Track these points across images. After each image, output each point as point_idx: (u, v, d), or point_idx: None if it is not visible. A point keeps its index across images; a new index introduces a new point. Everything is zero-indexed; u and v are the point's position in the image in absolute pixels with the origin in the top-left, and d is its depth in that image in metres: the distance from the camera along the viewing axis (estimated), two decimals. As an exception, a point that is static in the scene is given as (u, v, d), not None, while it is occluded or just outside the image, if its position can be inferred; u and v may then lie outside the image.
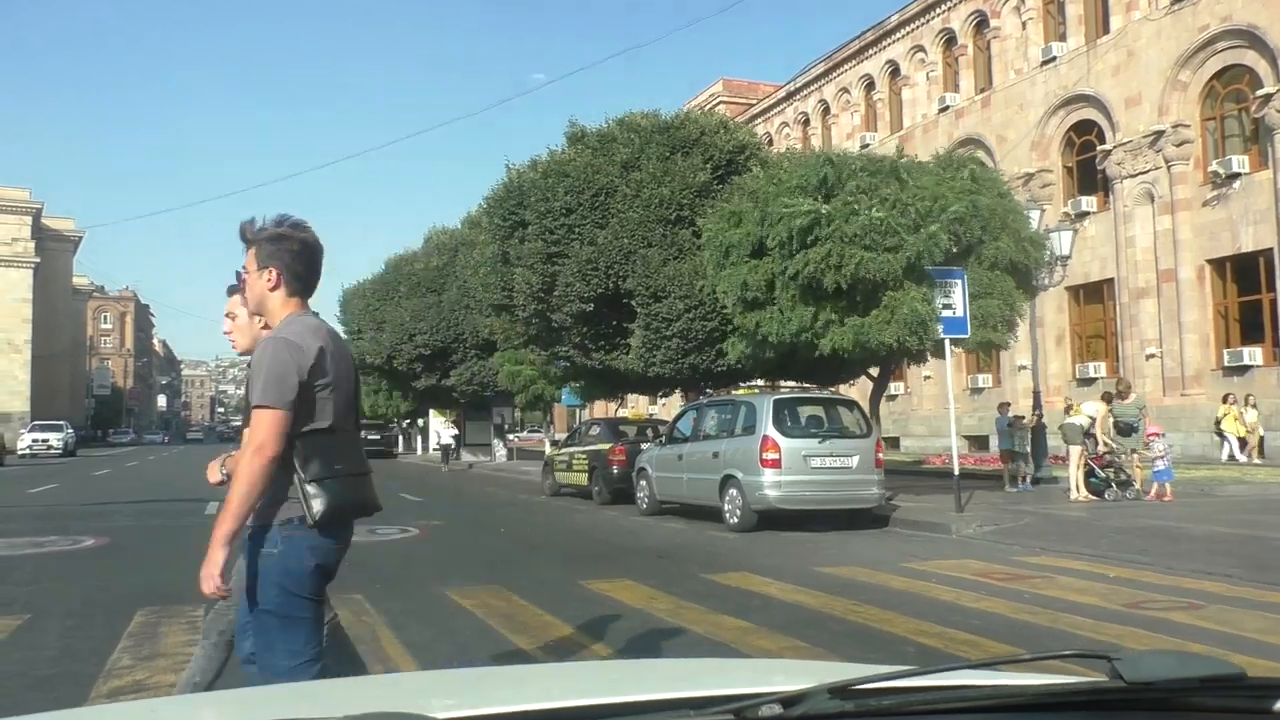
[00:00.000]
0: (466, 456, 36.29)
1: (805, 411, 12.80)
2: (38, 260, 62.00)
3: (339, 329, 32.97)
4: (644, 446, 16.06)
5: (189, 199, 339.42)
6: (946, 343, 12.55)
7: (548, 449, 30.00)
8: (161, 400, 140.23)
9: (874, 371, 14.89)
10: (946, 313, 12.24)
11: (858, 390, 22.26)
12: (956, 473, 12.88)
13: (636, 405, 44.67)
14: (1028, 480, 16.17)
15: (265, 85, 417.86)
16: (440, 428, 34.56)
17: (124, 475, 28.84)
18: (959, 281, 12.47)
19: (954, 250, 12.52)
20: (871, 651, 5.39)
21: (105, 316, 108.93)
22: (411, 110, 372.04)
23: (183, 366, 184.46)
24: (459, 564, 9.62)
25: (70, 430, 48.70)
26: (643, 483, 14.73)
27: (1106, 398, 15.24)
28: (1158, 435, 14.45)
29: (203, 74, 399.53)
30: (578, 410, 31.48)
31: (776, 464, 11.69)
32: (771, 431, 11.79)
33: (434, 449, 42.68)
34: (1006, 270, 13.01)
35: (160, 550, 10.79)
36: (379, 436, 45.68)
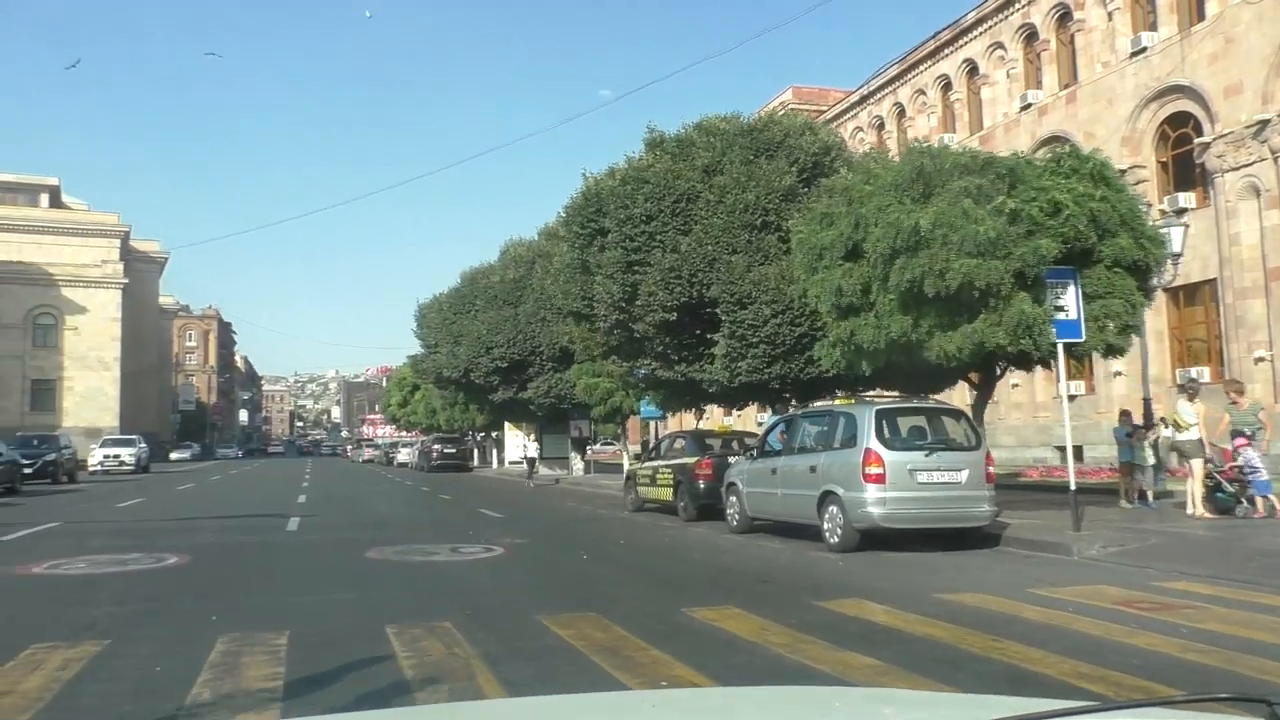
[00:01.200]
0: (544, 470, 36.00)
1: (909, 422, 12.06)
2: (126, 281, 63.78)
3: (415, 343, 32.76)
4: (732, 460, 15.45)
5: (267, 219, 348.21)
6: (1059, 347, 11.71)
7: (625, 462, 29.54)
8: (243, 415, 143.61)
9: (975, 379, 14.06)
10: (1059, 315, 11.43)
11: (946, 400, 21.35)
12: (1073, 487, 12.02)
13: (711, 416, 44.01)
14: (1148, 496, 15.09)
15: (342, 104, 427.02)
16: (526, 440, 34.02)
17: (208, 489, 29.19)
18: (1071, 282, 11.66)
19: (1066, 251, 11.71)
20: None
21: (190, 334, 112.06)
22: (485, 127, 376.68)
23: (263, 382, 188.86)
24: (549, 587, 9.14)
25: (144, 445, 45.63)
26: (733, 498, 14.12)
27: (1190, 391, 14.17)
28: (1247, 443, 13.31)
29: (280, 93, 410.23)
30: (654, 423, 30.95)
31: (880, 479, 10.99)
32: (874, 444, 11.09)
33: (511, 462, 42.53)
34: (1127, 269, 12.14)
35: (241, 569, 10.54)
36: (455, 450, 45.73)
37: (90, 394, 61.02)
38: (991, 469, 11.54)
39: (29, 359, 60.17)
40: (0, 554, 11.84)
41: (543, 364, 32.95)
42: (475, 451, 49.00)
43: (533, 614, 7.39)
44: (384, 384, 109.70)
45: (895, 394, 15.20)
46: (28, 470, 27.24)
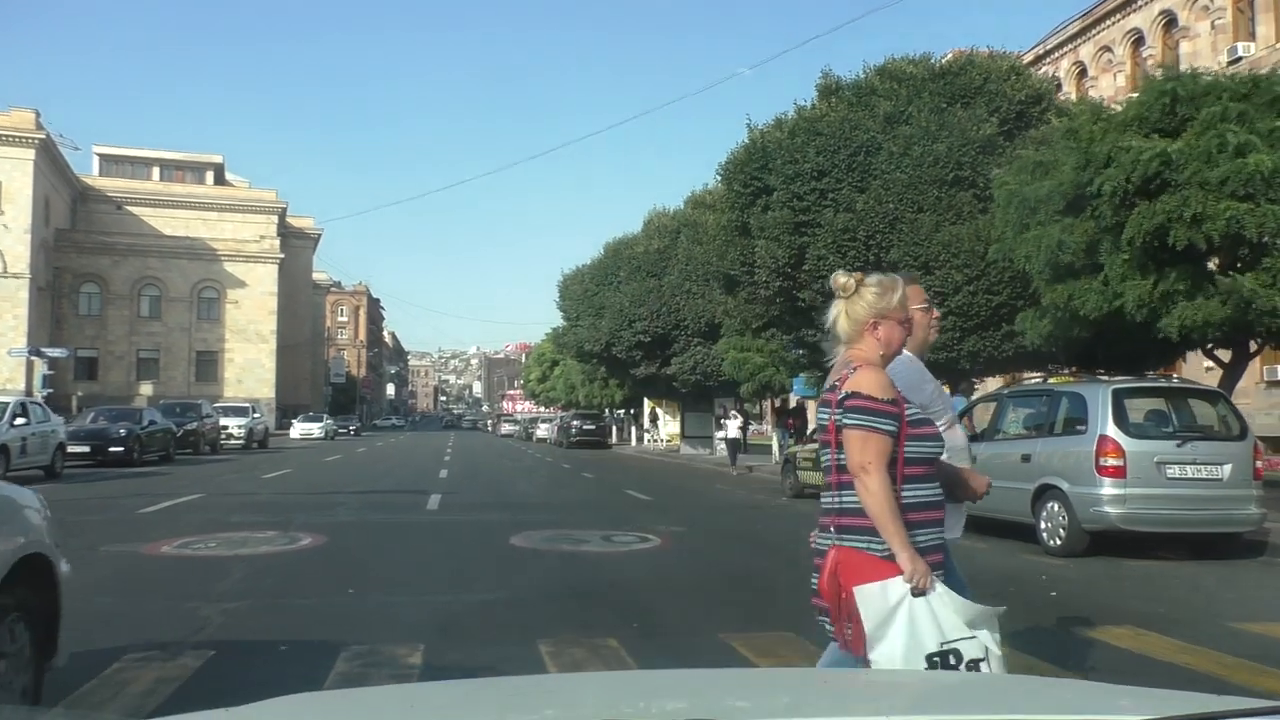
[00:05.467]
0: (687, 449, 34.65)
1: (1148, 405, 10.05)
2: (282, 256, 65.68)
3: (553, 321, 31.29)
4: (912, 445, 13.69)
5: (411, 194, 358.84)
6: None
7: (774, 444, 27.87)
8: (390, 389, 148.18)
9: (1227, 357, 11.83)
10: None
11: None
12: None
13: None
14: None
15: (486, 77, 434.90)
16: (724, 416, 27.69)
17: (354, 461, 29.09)
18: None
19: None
20: None
21: (341, 310, 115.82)
22: (629, 96, 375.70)
23: (409, 357, 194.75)
24: (724, 592, 7.70)
25: (258, 415, 39.94)
26: (918, 489, 12.38)
27: None
28: None
29: (425, 69, 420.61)
30: (808, 401, 28.97)
31: (1119, 472, 9.08)
32: (1112, 430, 9.18)
33: (653, 440, 41.50)
34: None
35: (376, 555, 9.50)
36: (594, 426, 45.05)
37: (249, 366, 63.22)
38: (1260, 464, 9.45)
39: (194, 331, 62.73)
40: (138, 528, 11.20)
41: (688, 338, 31.61)
42: (613, 428, 48.22)
43: (714, 631, 5.98)
44: (523, 360, 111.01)
45: (1097, 372, 13.07)
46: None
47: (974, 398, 13.57)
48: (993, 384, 20.73)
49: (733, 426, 26.23)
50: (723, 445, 28.90)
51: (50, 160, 54.22)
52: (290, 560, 8.92)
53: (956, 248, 13.65)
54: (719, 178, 19.14)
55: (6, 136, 50.35)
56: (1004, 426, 11.09)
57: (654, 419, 40.39)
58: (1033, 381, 12.13)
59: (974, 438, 11.59)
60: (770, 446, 27.22)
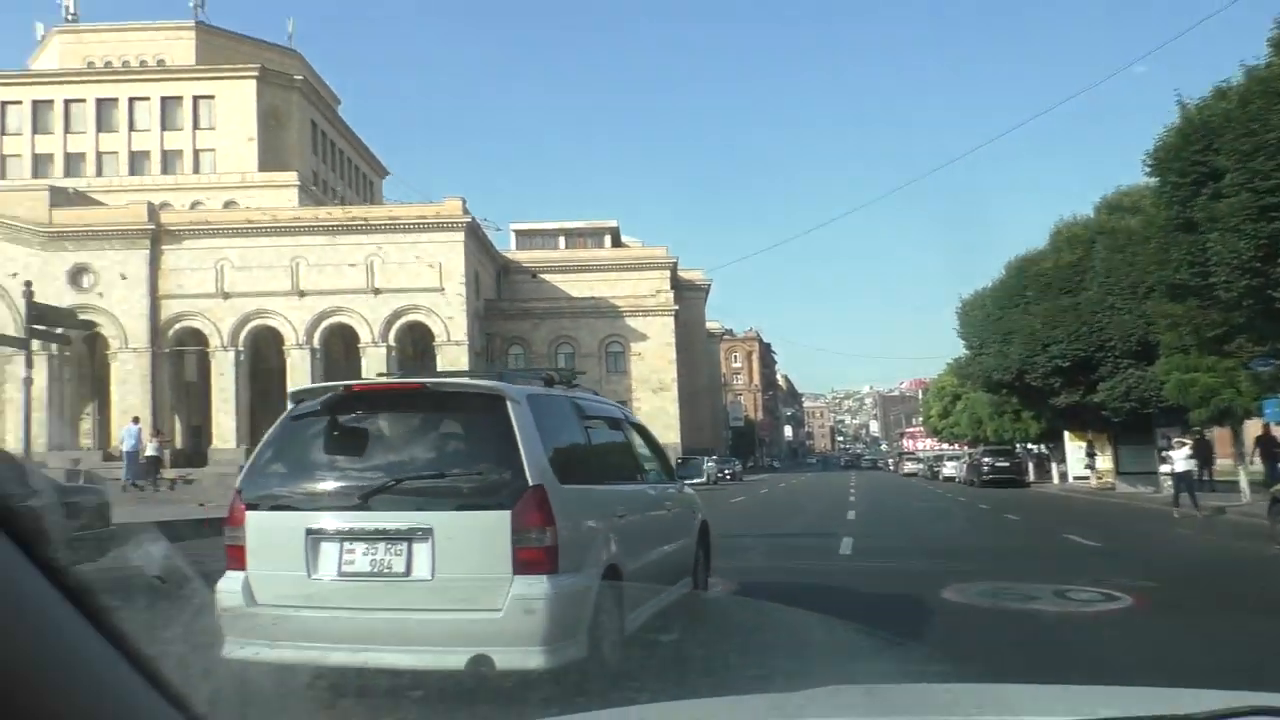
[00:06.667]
0: (1124, 486, 30.61)
1: None
2: (676, 308, 68.91)
3: (948, 354, 28.56)
4: None
5: (790, 235, 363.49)
6: None
7: (1243, 480, 23.50)
8: (787, 430, 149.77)
9: None
10: None
11: None
12: None
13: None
14: None
15: (848, 115, 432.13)
16: (1170, 447, 22.41)
17: (758, 503, 29.03)
18: None
19: None
20: None
21: (734, 356, 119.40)
22: (1006, 107, 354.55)
23: (803, 399, 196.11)
24: (1265, 684, 5.88)
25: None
26: None
27: None
28: None
29: (799, 111, 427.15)
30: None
31: None
32: None
33: (1076, 477, 37.34)
34: None
35: (792, 607, 8.67)
36: (1007, 463, 41.59)
37: (655, 413, 66.46)
38: None
39: (605, 383, 67.29)
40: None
41: (1115, 360, 27.94)
42: (1029, 465, 44.18)
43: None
44: (919, 397, 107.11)
45: None
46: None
47: None
48: None
49: (1179, 458, 20.68)
50: (1169, 481, 24.61)
51: (477, 240, 61.27)
52: (690, 611, 8.35)
53: None
54: (1147, 170, 16.54)
55: (443, 223, 57.67)
56: None
57: (1091, 453, 35.92)
58: None
59: None
60: (1238, 483, 22.91)
